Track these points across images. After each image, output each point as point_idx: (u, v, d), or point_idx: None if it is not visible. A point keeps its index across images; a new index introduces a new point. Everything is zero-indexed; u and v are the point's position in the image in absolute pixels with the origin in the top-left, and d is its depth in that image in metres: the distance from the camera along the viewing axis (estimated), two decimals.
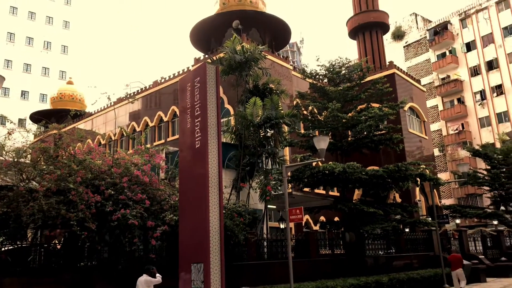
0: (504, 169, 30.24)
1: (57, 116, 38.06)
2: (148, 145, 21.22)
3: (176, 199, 11.53)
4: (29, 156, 12.90)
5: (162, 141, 27.91)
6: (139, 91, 32.25)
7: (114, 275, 10.91)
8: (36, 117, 39.36)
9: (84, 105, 42.56)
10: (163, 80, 29.89)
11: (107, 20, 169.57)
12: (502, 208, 31.24)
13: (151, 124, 29.57)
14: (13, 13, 57.08)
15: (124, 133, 29.68)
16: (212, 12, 30.73)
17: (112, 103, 26.37)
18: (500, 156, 30.54)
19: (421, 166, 19.93)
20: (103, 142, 32.22)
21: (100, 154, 13.10)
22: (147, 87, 31.30)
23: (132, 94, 30.42)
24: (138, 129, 30.55)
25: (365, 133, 20.49)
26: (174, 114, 27.94)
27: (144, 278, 9.05)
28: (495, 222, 30.16)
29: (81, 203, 10.36)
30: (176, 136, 25.45)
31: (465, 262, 21.01)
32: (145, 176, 12.03)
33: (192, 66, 26.89)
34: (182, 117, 9.91)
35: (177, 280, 9.20)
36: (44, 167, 11.70)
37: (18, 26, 56.83)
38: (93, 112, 36.11)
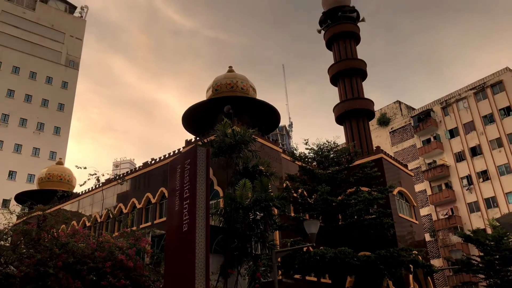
0: (498, 256, 29.70)
1: (43, 197, 37.39)
2: (134, 228, 20.67)
3: (161, 286, 11.00)
4: (9, 239, 12.43)
5: (149, 223, 27.27)
6: (129, 172, 32.18)
7: None
8: (22, 197, 38.61)
9: (72, 186, 42.10)
10: (153, 162, 30.02)
11: (103, 102, 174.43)
12: None
13: (138, 206, 29.10)
14: (9, 96, 58.63)
15: (110, 215, 29.11)
16: (204, 98, 31.90)
17: (101, 184, 26.11)
18: (492, 242, 30.16)
19: (413, 252, 19.55)
20: (88, 224, 31.37)
21: (84, 237, 12.68)
22: (137, 168, 31.30)
23: (121, 175, 30.31)
24: (125, 211, 29.97)
25: (355, 217, 20.34)
26: (163, 196, 27.66)
27: None
28: None
29: None
30: (164, 219, 24.93)
31: None
32: (129, 261, 11.56)
33: (183, 148, 27.22)
34: (171, 198, 9.82)
35: None
36: (24, 250, 11.22)
37: (13, 107, 58.09)
38: (80, 193, 35.63)
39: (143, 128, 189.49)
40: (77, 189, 40.05)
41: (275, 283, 13.18)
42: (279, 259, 17.25)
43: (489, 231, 33.86)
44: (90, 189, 34.02)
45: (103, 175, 13.33)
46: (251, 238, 16.50)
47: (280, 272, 18.67)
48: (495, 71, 48.37)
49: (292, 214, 23.04)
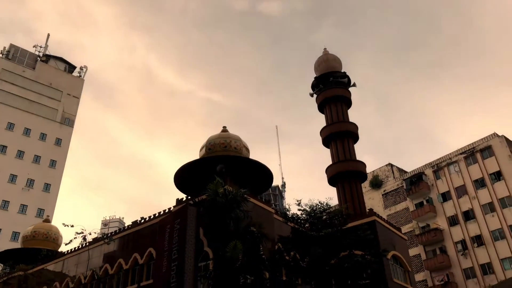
0: None
1: (27, 256, 36.07)
2: None
3: None
4: None
5: (135, 286, 26.17)
6: (117, 231, 31.39)
7: None
8: (4, 256, 37.19)
9: (57, 244, 40.79)
10: (142, 221, 29.40)
11: (96, 159, 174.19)
12: None
13: (125, 267, 28.03)
14: (1, 152, 58.44)
15: (95, 276, 27.97)
16: (197, 157, 31.98)
17: (87, 244, 25.44)
18: None
19: None
20: (71, 285, 30.01)
21: None
22: (126, 227, 30.56)
23: (109, 234, 29.51)
24: (111, 272, 28.82)
25: (349, 281, 19.75)
26: (151, 257, 26.73)
27: None
28: None
29: None
30: (151, 281, 23.97)
31: None
32: None
33: (174, 207, 26.79)
34: (158, 260, 9.53)
35: None
36: None
37: (4, 163, 57.68)
38: (65, 253, 34.44)
39: (135, 187, 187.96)
40: (63, 248, 38.78)
41: None
42: None
43: None
44: (76, 248, 32.95)
45: (90, 234, 13.01)
46: None
47: None
48: (484, 136, 49.52)
49: (284, 278, 22.31)
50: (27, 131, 62.12)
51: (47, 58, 71.08)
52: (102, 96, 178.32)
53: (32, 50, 69.97)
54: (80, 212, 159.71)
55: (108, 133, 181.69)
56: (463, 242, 46.32)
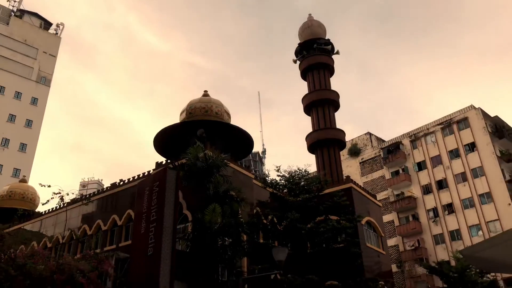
0: None
1: (3, 216, 35.79)
2: (98, 250, 20.02)
3: None
4: None
5: (114, 246, 26.43)
6: (96, 192, 31.35)
7: None
8: None
9: (34, 205, 40.55)
10: (121, 183, 29.39)
11: (73, 121, 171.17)
12: None
13: (104, 228, 28.23)
14: None
15: (73, 236, 28.10)
16: (178, 121, 31.77)
17: (65, 204, 25.33)
18: (455, 274, 30.71)
19: (380, 282, 19.68)
20: (49, 245, 30.13)
21: (43, 258, 12.16)
22: (104, 189, 30.53)
23: (87, 195, 29.46)
24: (89, 232, 29.00)
25: (324, 245, 20.41)
26: (129, 219, 26.96)
27: None
28: None
29: None
30: (129, 242, 24.24)
31: None
32: (90, 285, 11.14)
33: (153, 170, 26.82)
34: (137, 221, 9.61)
35: None
36: None
37: None
38: (43, 213, 34.33)
39: (114, 149, 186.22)
40: (40, 209, 38.60)
41: None
42: (246, 286, 16.98)
43: (453, 263, 34.47)
44: (54, 209, 32.88)
45: (67, 194, 12.97)
46: (218, 264, 16.26)
47: None
48: (461, 108, 50.55)
49: (261, 241, 22.89)
50: (1, 89, 60.19)
51: (21, 13, 68.02)
52: (80, 56, 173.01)
53: (5, 4, 66.79)
54: (58, 173, 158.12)
55: (86, 94, 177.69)
56: (435, 209, 48.08)
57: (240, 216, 16.89)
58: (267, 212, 21.68)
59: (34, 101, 63.01)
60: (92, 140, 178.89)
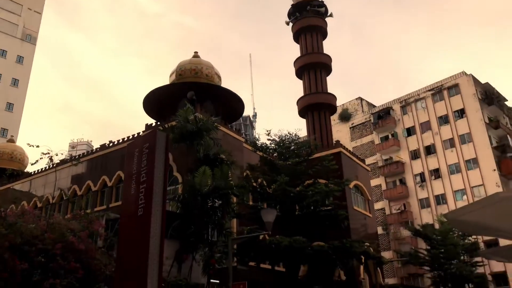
0: (443, 250, 31.28)
1: None
2: (89, 211, 20.18)
3: (113, 269, 10.81)
4: None
5: (104, 207, 26.68)
6: (85, 153, 31.27)
7: None
8: None
9: (23, 165, 40.40)
10: (111, 144, 29.29)
11: (61, 80, 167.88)
12: None
13: (94, 189, 28.38)
14: None
15: (63, 195, 28.20)
16: (167, 82, 31.35)
17: (55, 164, 25.27)
18: (439, 237, 31.71)
19: (365, 244, 20.23)
20: (39, 205, 30.29)
21: (34, 218, 12.23)
22: (94, 150, 30.45)
23: (77, 156, 29.38)
24: (79, 193, 29.15)
25: (312, 208, 20.77)
26: (119, 180, 27.08)
27: None
28: None
29: (4, 271, 9.44)
30: (119, 202, 24.45)
31: None
32: (80, 244, 11.28)
33: (143, 131, 26.70)
34: (127, 182, 9.63)
35: None
36: None
37: None
38: (32, 173, 34.27)
39: (103, 110, 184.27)
40: (29, 169, 38.49)
41: (230, 270, 13.29)
42: (235, 246, 17.38)
43: (437, 226, 35.49)
44: (43, 169, 32.82)
45: (56, 155, 12.91)
46: (208, 225, 16.52)
47: (235, 259, 18.82)
48: (453, 74, 50.52)
49: (251, 203, 23.23)
50: None
51: None
52: (67, 14, 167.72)
53: None
54: (46, 134, 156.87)
55: (74, 53, 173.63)
56: (422, 174, 48.94)
57: (230, 179, 17.01)
58: (256, 175, 21.87)
59: (19, 59, 61.41)
60: (80, 100, 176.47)
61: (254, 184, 21.87)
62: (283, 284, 17.61)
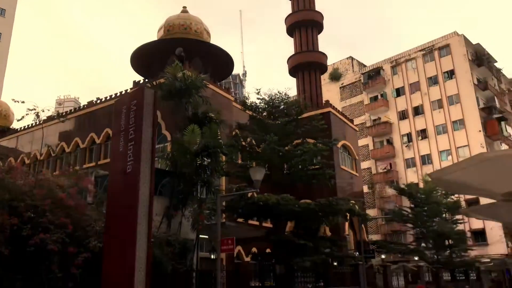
0: (426, 208, 32.24)
1: None
2: (77, 168, 20.18)
3: (103, 225, 10.96)
4: None
5: (93, 164, 26.68)
6: (72, 110, 30.87)
7: None
8: None
9: (9, 121, 39.82)
10: (98, 101, 28.91)
11: (46, 35, 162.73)
12: (423, 245, 33.10)
13: (82, 146, 28.25)
14: None
15: (51, 152, 28.07)
16: (155, 38, 30.60)
17: (41, 121, 24.95)
18: (423, 196, 32.59)
19: (351, 201, 20.71)
20: (27, 161, 30.17)
21: (22, 174, 12.19)
22: (81, 107, 30.05)
23: (64, 113, 29.01)
24: (67, 150, 29.02)
25: (300, 167, 21.03)
26: (108, 137, 26.93)
27: None
28: (416, 258, 31.77)
29: None
30: (108, 160, 24.46)
31: None
32: (70, 200, 11.33)
33: (131, 89, 26.32)
34: (115, 140, 9.58)
35: None
36: None
37: None
38: (18, 129, 33.87)
39: (90, 66, 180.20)
40: (15, 125, 38.00)
41: (219, 226, 13.59)
42: (223, 204, 17.67)
43: (421, 185, 36.37)
44: (30, 125, 32.43)
45: (43, 111, 12.71)
46: (197, 183, 16.69)
47: (224, 216, 19.19)
48: (444, 34, 50.06)
49: (240, 162, 23.43)
50: None
51: None
52: None
53: None
54: (32, 91, 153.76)
55: (60, 7, 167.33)
56: (409, 135, 49.55)
57: (219, 137, 17.02)
58: (246, 135, 21.91)
59: (1, 12, 59.12)
60: (67, 57, 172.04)
61: (243, 143, 21.95)
62: (270, 240, 18.12)
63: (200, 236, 16.52)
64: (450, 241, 32.88)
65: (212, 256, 19.04)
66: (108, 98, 28.26)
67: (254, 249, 25.20)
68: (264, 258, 19.81)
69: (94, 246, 10.33)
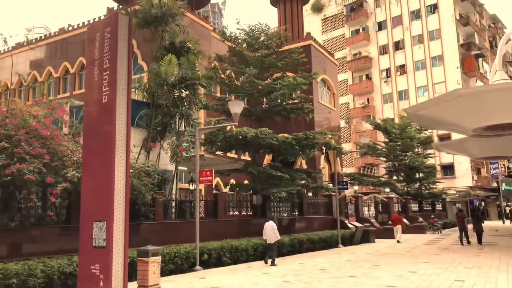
0: (400, 143, 33.22)
1: None
2: (51, 97, 19.67)
3: (80, 155, 10.93)
4: None
5: (68, 94, 26.04)
6: (43, 37, 29.42)
7: (7, 233, 10.18)
8: None
9: None
10: (70, 28, 27.56)
11: None
12: (394, 177, 34.54)
13: (55, 75, 27.32)
14: None
15: (23, 81, 27.12)
16: None
17: (10, 48, 23.88)
18: (397, 131, 33.42)
19: (328, 135, 21.02)
20: None
21: None
22: (53, 34, 28.63)
23: (34, 40, 27.65)
24: (40, 79, 28.07)
25: (279, 101, 21.00)
26: (82, 66, 26.06)
27: (271, 224, 13.37)
28: (387, 190, 33.31)
29: None
30: (83, 90, 23.87)
31: (358, 224, 23.03)
32: (45, 130, 11.15)
33: (104, 16, 25.08)
34: (89, 69, 9.26)
35: (78, 239, 8.86)
36: None
37: None
38: None
39: None
40: None
41: (197, 158, 13.74)
42: (202, 136, 17.73)
43: (397, 121, 37.14)
44: None
45: (11, 37, 12.06)
46: (175, 115, 16.58)
47: (202, 149, 19.35)
48: None
49: (218, 95, 23.18)
50: None
51: None
52: None
53: None
54: None
55: None
56: (388, 70, 49.61)
57: (197, 69, 16.65)
58: (225, 67, 21.48)
59: None
60: None
61: (222, 75, 21.57)
62: (248, 172, 18.50)
63: (179, 167, 16.74)
64: (420, 174, 34.35)
65: (191, 187, 19.47)
66: (80, 25, 26.94)
67: (232, 181, 25.81)
68: (241, 189, 20.32)
69: (73, 176, 10.38)
